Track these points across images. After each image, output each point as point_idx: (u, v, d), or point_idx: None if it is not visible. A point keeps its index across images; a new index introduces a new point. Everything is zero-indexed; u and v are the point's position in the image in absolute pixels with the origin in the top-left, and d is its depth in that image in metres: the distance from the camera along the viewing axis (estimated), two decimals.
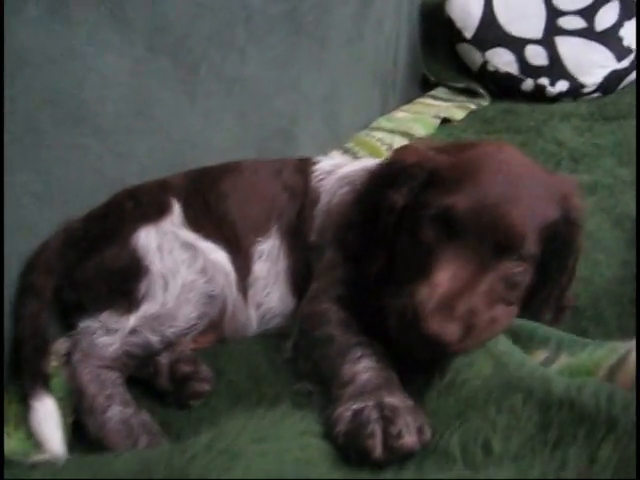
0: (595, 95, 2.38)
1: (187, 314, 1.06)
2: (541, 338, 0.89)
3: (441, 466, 0.71)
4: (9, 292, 1.04)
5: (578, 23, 2.40)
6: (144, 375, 1.05)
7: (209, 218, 1.15)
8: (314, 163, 1.25)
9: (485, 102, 2.46)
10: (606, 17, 2.39)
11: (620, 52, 2.36)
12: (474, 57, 2.52)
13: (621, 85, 2.40)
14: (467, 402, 0.77)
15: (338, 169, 1.21)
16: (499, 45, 2.46)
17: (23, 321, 1.01)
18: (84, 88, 1.15)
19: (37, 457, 0.86)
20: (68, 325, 1.08)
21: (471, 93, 2.50)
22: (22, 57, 1.03)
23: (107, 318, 1.03)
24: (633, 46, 2.35)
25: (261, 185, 1.21)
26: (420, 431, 0.75)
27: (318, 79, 1.87)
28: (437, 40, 2.67)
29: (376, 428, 0.74)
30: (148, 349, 1.03)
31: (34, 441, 0.91)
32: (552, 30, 2.41)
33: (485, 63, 2.49)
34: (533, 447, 0.67)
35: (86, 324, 1.03)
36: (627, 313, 1.09)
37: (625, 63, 2.36)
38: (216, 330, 1.15)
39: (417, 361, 0.86)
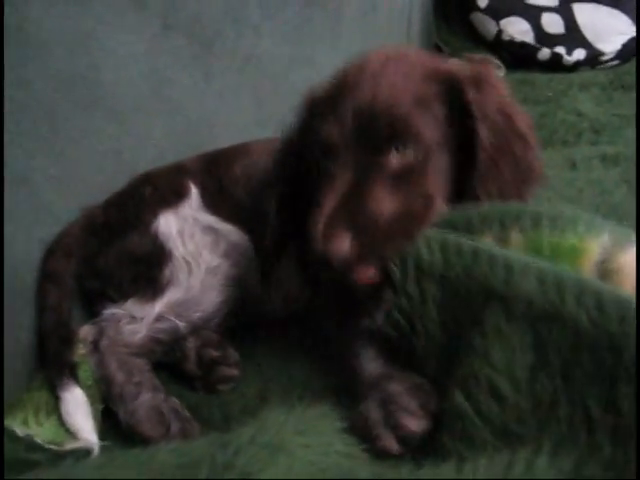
0: (614, 63, 2.33)
1: (212, 298, 1.06)
2: (479, 219, 0.75)
3: (460, 431, 0.66)
4: (30, 278, 1.03)
5: None
6: (171, 360, 1.04)
7: (226, 201, 1.14)
8: None
9: (500, 72, 2.40)
10: None
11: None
12: (488, 26, 2.47)
13: None
14: (443, 337, 0.72)
15: None
16: (514, 14, 2.40)
17: (46, 312, 1.01)
18: (100, 70, 1.13)
19: (71, 445, 0.86)
20: (92, 312, 1.08)
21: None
22: (36, 40, 1.01)
23: (132, 306, 1.03)
24: None
25: None
26: (423, 407, 0.72)
27: (332, 53, 1.83)
28: (450, 10, 2.62)
29: (381, 430, 0.72)
30: (174, 335, 1.03)
31: (66, 429, 0.91)
32: None
33: (500, 32, 2.44)
34: (542, 382, 0.62)
35: (111, 311, 1.03)
36: None
37: None
38: (241, 314, 1.14)
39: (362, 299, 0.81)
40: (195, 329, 1.05)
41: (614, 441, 0.56)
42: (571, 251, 0.67)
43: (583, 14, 2.32)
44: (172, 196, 1.11)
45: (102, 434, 0.92)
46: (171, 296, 1.03)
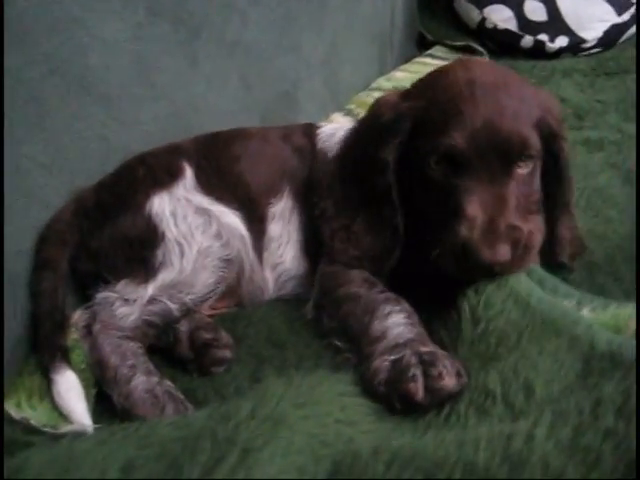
0: (595, 50, 2.35)
1: (204, 280, 1.06)
2: (564, 291, 0.93)
3: (480, 406, 0.73)
4: (22, 265, 1.03)
5: None
6: (164, 344, 1.05)
7: (222, 181, 1.14)
8: (318, 127, 1.26)
9: (484, 60, 2.43)
10: None
11: (620, 5, 2.31)
12: (472, 14, 2.48)
13: (621, 39, 2.36)
14: (499, 344, 0.81)
15: (339, 132, 1.21)
16: (497, 1, 2.41)
17: (41, 297, 1.01)
18: (87, 56, 1.13)
19: (66, 428, 0.86)
20: (85, 296, 1.08)
21: (469, 51, 2.46)
22: (24, 26, 1.00)
23: (124, 288, 1.03)
24: None
25: (271, 148, 1.21)
26: (458, 374, 0.78)
27: (317, 40, 1.84)
28: None
29: (417, 372, 0.77)
30: (167, 317, 1.03)
31: (59, 413, 0.91)
32: None
33: (483, 20, 2.45)
34: (573, 391, 0.69)
35: (104, 295, 1.03)
36: None
37: (626, 16, 2.32)
38: (233, 295, 1.15)
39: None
40: (187, 311, 1.05)
41: (618, 413, 0.59)
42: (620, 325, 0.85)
43: (565, 2, 2.33)
44: (166, 176, 1.11)
45: (95, 418, 0.92)
46: (164, 278, 1.04)
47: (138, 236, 1.05)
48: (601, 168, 1.45)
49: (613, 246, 1.15)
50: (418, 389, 0.75)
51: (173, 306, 1.03)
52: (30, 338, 1.01)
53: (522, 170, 0.93)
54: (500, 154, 0.90)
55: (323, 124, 1.30)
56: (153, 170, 1.12)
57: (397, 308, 0.91)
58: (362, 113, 1.91)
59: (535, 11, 2.36)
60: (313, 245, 1.13)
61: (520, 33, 2.38)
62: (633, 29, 2.35)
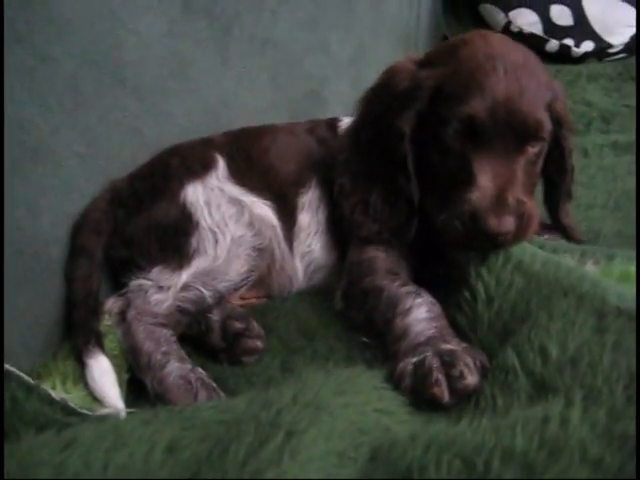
0: (621, 55, 2.34)
1: (238, 268, 1.08)
2: (565, 248, 0.99)
3: (503, 383, 0.74)
4: (57, 251, 1.04)
5: None
6: (195, 333, 1.06)
7: (253, 172, 1.16)
8: (340, 120, 1.28)
9: None
10: None
11: None
12: (497, 17, 2.49)
13: None
14: (512, 319, 0.83)
15: None
16: (523, 5, 2.42)
17: (76, 283, 1.02)
18: (123, 49, 1.15)
19: (101, 411, 0.88)
20: (118, 283, 1.09)
21: None
22: (62, 20, 1.02)
23: (159, 274, 1.04)
24: None
25: (298, 140, 1.24)
26: (481, 365, 0.79)
27: (345, 40, 1.86)
28: (459, 1, 2.63)
29: (439, 376, 0.77)
30: (200, 304, 1.04)
31: (93, 397, 0.92)
32: None
33: (508, 24, 2.46)
34: (590, 349, 0.70)
35: (138, 282, 1.04)
36: None
37: None
38: (262, 285, 1.17)
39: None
40: (220, 299, 1.07)
41: None
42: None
43: (592, 6, 2.33)
44: (199, 167, 1.13)
45: (128, 404, 0.93)
46: (198, 265, 1.05)
47: (172, 224, 1.07)
48: (629, 171, 1.45)
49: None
50: (443, 392, 0.76)
51: (207, 293, 1.04)
52: (64, 323, 1.03)
53: (532, 150, 0.96)
54: (516, 131, 0.92)
55: (346, 117, 1.30)
56: (187, 161, 1.14)
57: (418, 301, 0.92)
58: None
59: (561, 15, 2.37)
60: (341, 234, 1.14)
61: (545, 37, 2.39)
62: None
